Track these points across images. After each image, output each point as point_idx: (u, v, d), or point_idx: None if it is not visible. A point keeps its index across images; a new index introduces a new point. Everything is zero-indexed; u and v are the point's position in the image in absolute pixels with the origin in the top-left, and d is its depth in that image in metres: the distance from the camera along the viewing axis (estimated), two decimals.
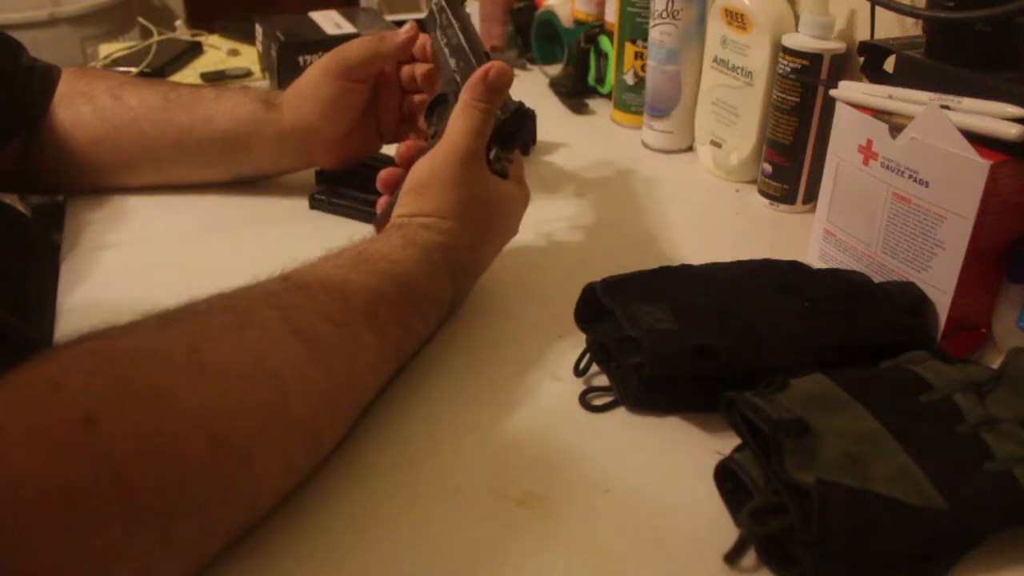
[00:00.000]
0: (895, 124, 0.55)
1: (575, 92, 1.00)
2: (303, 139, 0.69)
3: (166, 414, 0.34)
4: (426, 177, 0.56)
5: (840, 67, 0.69)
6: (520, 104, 0.60)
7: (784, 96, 0.72)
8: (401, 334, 0.49)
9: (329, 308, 0.44)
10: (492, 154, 0.59)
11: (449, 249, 0.53)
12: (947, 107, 0.52)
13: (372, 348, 0.46)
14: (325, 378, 0.42)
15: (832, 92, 0.61)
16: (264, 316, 0.41)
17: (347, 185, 0.75)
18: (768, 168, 0.76)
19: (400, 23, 1.05)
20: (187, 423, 0.35)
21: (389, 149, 0.82)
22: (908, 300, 0.55)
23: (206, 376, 0.37)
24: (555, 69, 1.05)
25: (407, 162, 0.60)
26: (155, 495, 0.33)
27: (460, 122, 0.56)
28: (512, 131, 0.59)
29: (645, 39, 0.86)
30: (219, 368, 0.37)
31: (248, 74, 1.07)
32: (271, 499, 0.41)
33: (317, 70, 0.67)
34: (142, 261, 0.66)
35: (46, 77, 0.71)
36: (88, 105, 0.70)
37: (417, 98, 0.71)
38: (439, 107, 0.63)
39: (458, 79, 0.61)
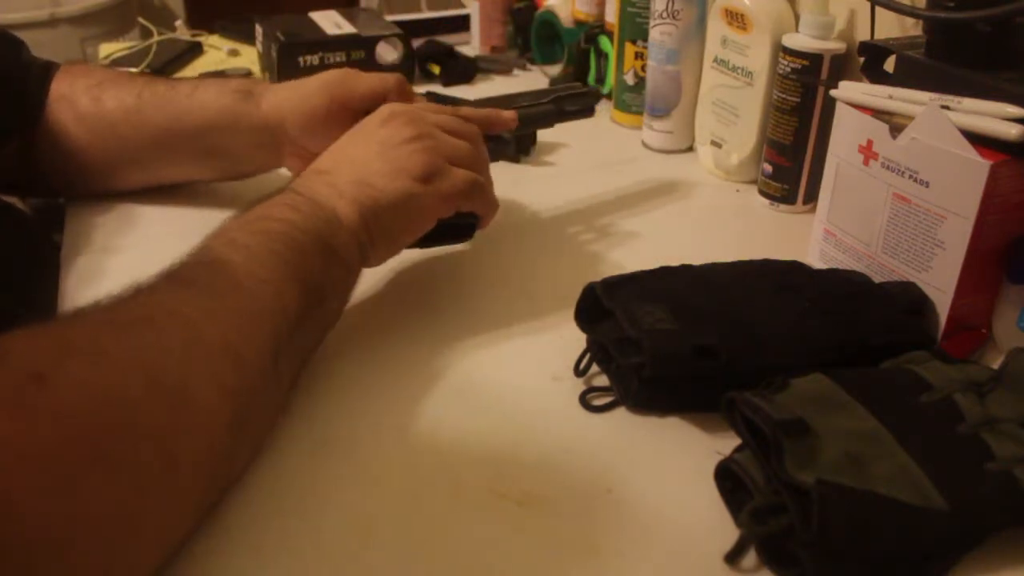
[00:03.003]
0: (895, 124, 0.55)
1: None
2: (276, 137, 0.68)
3: (103, 365, 0.37)
4: None
5: (840, 67, 0.69)
6: None
7: (784, 96, 0.72)
8: (260, 240, 0.49)
9: (195, 258, 0.48)
10: None
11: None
12: (947, 107, 0.52)
13: (239, 263, 0.47)
14: (214, 301, 0.44)
15: (832, 92, 0.61)
16: (146, 284, 0.44)
17: None
18: (768, 168, 0.76)
19: (400, 23, 1.06)
20: (121, 366, 0.37)
21: None
22: (908, 300, 0.55)
23: (121, 328, 0.40)
24: (555, 69, 1.05)
25: None
26: (117, 440, 0.35)
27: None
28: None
29: (645, 39, 0.86)
30: (128, 321, 0.41)
31: (248, 74, 1.07)
32: (222, 430, 0.41)
33: (318, 85, 0.66)
34: (144, 264, 0.65)
35: (43, 74, 0.71)
36: (70, 111, 0.70)
37: None
38: None
39: None
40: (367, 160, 0.56)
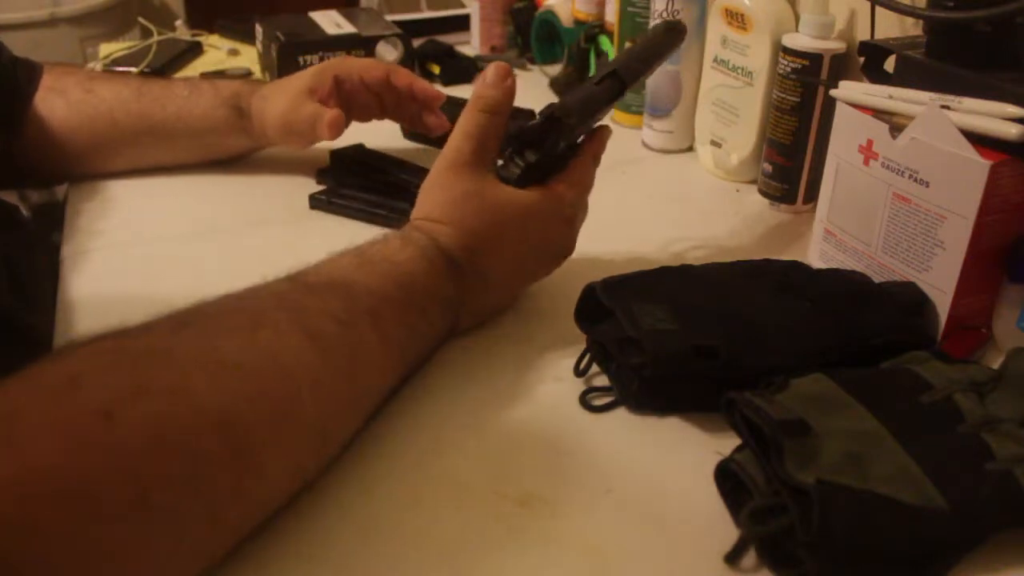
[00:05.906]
0: (895, 124, 0.55)
1: None
2: (268, 141, 0.76)
3: (179, 408, 0.35)
4: (427, 179, 0.56)
5: (840, 67, 0.69)
6: (552, 110, 0.55)
7: (784, 96, 0.72)
8: (404, 334, 0.49)
9: (335, 308, 0.44)
10: (504, 157, 0.56)
11: (442, 248, 0.53)
12: (947, 107, 0.52)
13: (376, 347, 0.46)
14: (332, 377, 0.42)
15: (832, 92, 0.61)
16: (274, 317, 0.42)
17: (348, 185, 0.75)
18: (768, 168, 0.76)
19: (400, 23, 1.06)
20: (200, 417, 0.35)
21: (398, 148, 0.82)
22: (908, 300, 0.55)
23: (223, 370, 0.37)
24: (555, 69, 1.05)
25: None
26: (168, 489, 0.33)
27: (457, 125, 0.56)
28: (535, 137, 0.56)
29: None
30: (235, 364, 0.38)
31: (248, 74, 1.07)
32: (279, 499, 0.41)
33: (305, 82, 0.73)
34: (143, 262, 0.66)
35: (29, 73, 0.74)
36: (61, 99, 0.73)
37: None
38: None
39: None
40: (511, 250, 0.56)
